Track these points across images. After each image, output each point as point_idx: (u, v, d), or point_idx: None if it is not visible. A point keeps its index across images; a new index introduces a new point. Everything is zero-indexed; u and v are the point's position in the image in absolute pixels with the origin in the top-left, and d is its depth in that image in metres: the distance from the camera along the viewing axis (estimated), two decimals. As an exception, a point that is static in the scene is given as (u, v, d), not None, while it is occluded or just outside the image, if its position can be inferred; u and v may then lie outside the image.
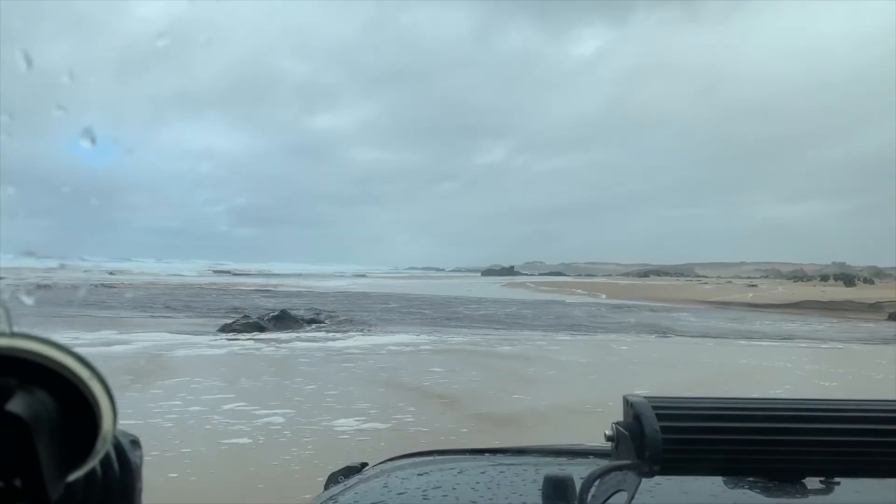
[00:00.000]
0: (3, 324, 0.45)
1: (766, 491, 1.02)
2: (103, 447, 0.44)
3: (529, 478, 1.20)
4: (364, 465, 1.54)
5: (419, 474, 1.28)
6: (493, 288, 70.85)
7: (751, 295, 47.48)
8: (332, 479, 1.49)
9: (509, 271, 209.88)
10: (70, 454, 0.43)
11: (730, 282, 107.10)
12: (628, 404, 0.91)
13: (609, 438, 0.96)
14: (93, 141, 0.60)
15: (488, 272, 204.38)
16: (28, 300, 0.52)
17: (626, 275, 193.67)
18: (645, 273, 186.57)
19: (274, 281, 70.76)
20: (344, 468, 1.52)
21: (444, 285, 75.00)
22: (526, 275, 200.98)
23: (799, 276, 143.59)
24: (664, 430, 0.86)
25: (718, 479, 1.06)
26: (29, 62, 0.55)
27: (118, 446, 0.50)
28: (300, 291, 47.81)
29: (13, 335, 0.42)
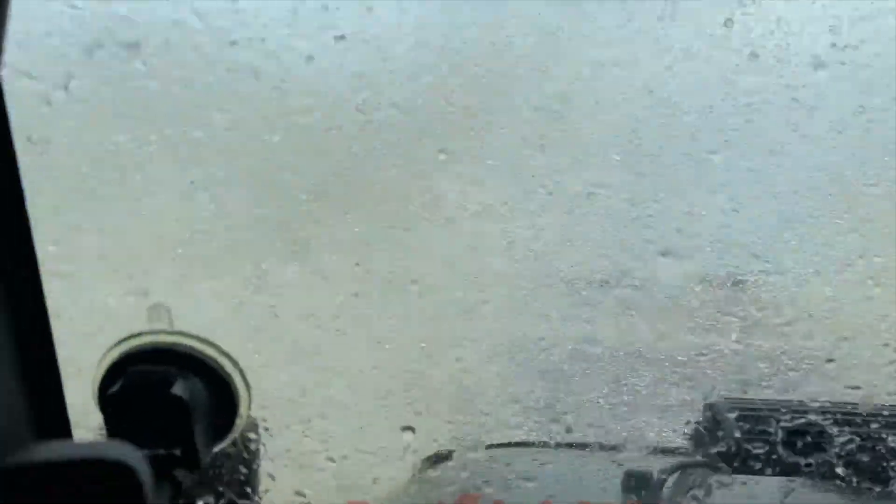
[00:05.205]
0: (166, 322, 0.54)
1: (842, 494, 1.06)
2: (240, 426, 0.54)
3: (611, 472, 1.25)
4: (451, 451, 1.58)
5: (506, 464, 1.37)
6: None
7: None
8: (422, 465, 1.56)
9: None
10: (215, 430, 0.53)
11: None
12: (708, 404, 1.04)
13: (688, 437, 1.11)
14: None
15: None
16: None
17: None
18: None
19: None
20: (433, 454, 1.57)
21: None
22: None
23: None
24: (743, 430, 0.97)
25: (795, 481, 1.08)
26: None
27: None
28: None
29: (173, 332, 0.53)
